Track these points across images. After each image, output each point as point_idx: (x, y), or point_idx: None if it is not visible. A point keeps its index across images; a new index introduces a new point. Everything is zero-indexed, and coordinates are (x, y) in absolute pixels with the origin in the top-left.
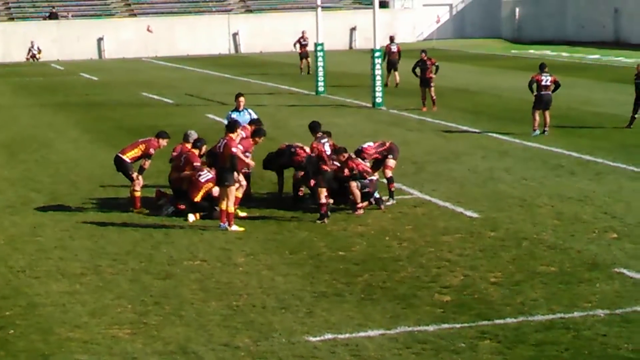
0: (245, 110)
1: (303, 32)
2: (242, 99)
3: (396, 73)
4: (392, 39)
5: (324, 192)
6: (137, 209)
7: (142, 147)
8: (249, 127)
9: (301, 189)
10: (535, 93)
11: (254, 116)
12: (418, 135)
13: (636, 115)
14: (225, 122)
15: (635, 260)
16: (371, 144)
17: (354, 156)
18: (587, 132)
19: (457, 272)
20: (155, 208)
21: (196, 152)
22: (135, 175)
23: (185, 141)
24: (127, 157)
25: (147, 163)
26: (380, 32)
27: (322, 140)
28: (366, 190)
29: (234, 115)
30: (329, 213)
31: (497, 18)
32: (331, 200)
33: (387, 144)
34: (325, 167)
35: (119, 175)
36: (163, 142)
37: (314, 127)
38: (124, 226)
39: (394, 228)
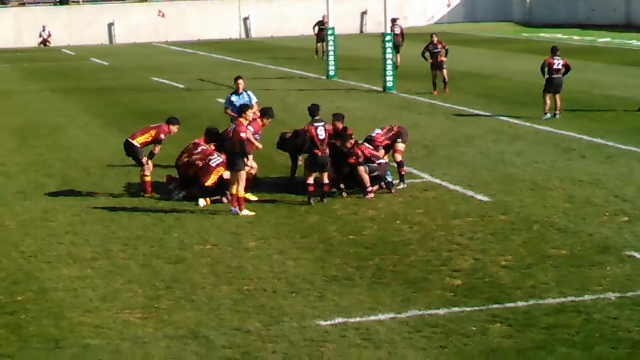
0: (244, 93)
1: (323, 17)
2: (240, 81)
3: (398, 55)
4: (394, 21)
5: (312, 175)
6: (148, 194)
7: (153, 132)
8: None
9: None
10: (546, 76)
11: (254, 98)
12: (429, 118)
13: None
14: (225, 104)
15: None
16: (379, 130)
17: (360, 142)
18: (598, 116)
19: (468, 256)
20: (166, 192)
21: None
22: (145, 159)
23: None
24: (136, 142)
25: (158, 148)
26: (390, 15)
27: (317, 124)
28: (375, 174)
29: (233, 98)
30: (325, 198)
31: (508, 1)
32: (342, 185)
33: (395, 128)
34: (317, 151)
35: (130, 160)
36: (173, 128)
37: (312, 111)
38: (135, 211)
39: (405, 212)
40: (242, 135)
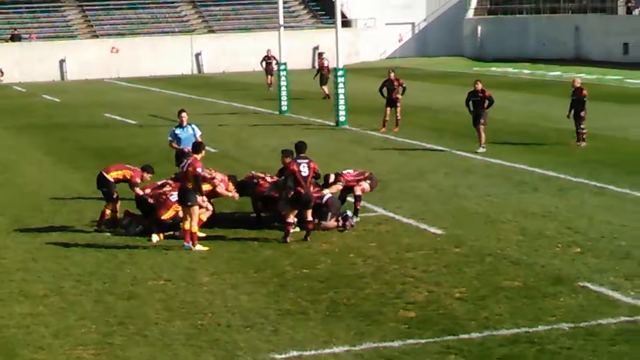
0: (188, 126)
1: (268, 51)
2: (184, 114)
3: (325, 87)
4: (320, 55)
5: (294, 213)
6: (100, 228)
7: (128, 174)
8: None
9: (262, 214)
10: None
11: (198, 132)
12: (382, 153)
13: (582, 128)
14: (169, 138)
15: (599, 274)
16: (351, 171)
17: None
18: (549, 148)
19: (422, 288)
20: (122, 227)
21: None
22: (116, 196)
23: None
24: (110, 177)
25: (137, 190)
26: (343, 50)
27: (300, 161)
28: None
29: (178, 131)
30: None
31: (459, 36)
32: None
33: (367, 174)
34: (300, 189)
35: (83, 196)
36: (147, 176)
37: (299, 148)
38: (88, 247)
39: (359, 245)
40: (198, 170)
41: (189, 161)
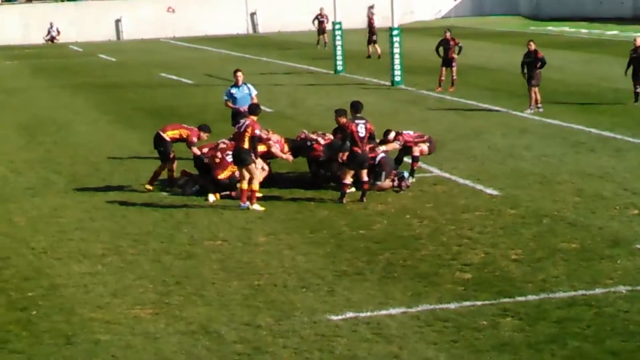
0: (244, 85)
1: (321, 9)
2: (239, 74)
3: (371, 46)
4: (370, 8)
5: (350, 173)
6: (150, 186)
7: (185, 132)
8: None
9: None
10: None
11: (253, 91)
12: (437, 113)
13: (638, 89)
14: (225, 97)
15: None
16: (411, 132)
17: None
18: (607, 109)
19: (478, 250)
20: (178, 187)
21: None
22: (172, 155)
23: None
24: (167, 136)
25: (194, 150)
26: (398, 10)
27: (358, 122)
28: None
29: (233, 91)
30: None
31: None
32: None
33: (426, 137)
34: (357, 149)
35: (139, 155)
36: (204, 135)
37: (356, 107)
38: (145, 206)
39: (414, 206)
40: (257, 132)
41: (247, 122)
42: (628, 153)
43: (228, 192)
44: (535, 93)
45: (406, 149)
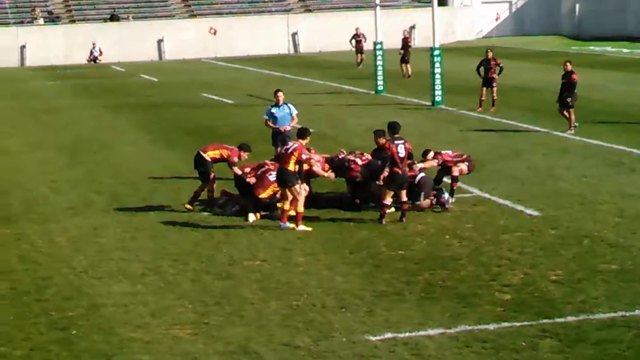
0: (285, 105)
1: (357, 29)
2: (280, 93)
3: (404, 65)
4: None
5: (390, 194)
6: (191, 205)
7: (225, 152)
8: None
9: (356, 199)
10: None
11: (294, 111)
12: (477, 133)
13: None
14: (265, 117)
15: None
16: (450, 152)
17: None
18: None
19: (518, 271)
20: (218, 207)
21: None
22: (212, 176)
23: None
24: (208, 156)
25: (235, 169)
26: (439, 29)
27: (397, 142)
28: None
29: (274, 110)
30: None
31: (557, 14)
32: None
33: (465, 156)
34: (397, 170)
35: (180, 175)
36: (244, 154)
37: (393, 127)
38: (185, 226)
39: (454, 226)
40: (303, 156)
41: (295, 145)
42: None
43: (268, 213)
44: (571, 113)
45: (445, 169)
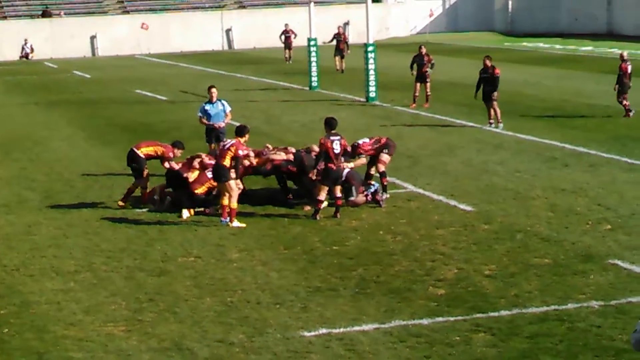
0: (218, 102)
1: (286, 25)
2: (214, 90)
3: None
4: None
5: (325, 190)
6: (124, 202)
7: (159, 150)
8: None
9: (289, 195)
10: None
11: (227, 107)
12: (412, 129)
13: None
14: (199, 114)
15: (629, 252)
16: (367, 140)
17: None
18: (581, 124)
19: (452, 265)
20: (151, 202)
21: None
22: (146, 173)
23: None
24: (141, 153)
25: (167, 164)
26: (373, 26)
27: (333, 138)
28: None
29: (207, 107)
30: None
31: (490, 11)
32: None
33: (383, 140)
34: (332, 165)
35: (114, 172)
36: (178, 152)
37: (330, 124)
38: (118, 223)
39: (388, 222)
40: (240, 152)
41: (233, 142)
42: (601, 168)
43: (202, 209)
44: (496, 108)
45: (371, 159)
